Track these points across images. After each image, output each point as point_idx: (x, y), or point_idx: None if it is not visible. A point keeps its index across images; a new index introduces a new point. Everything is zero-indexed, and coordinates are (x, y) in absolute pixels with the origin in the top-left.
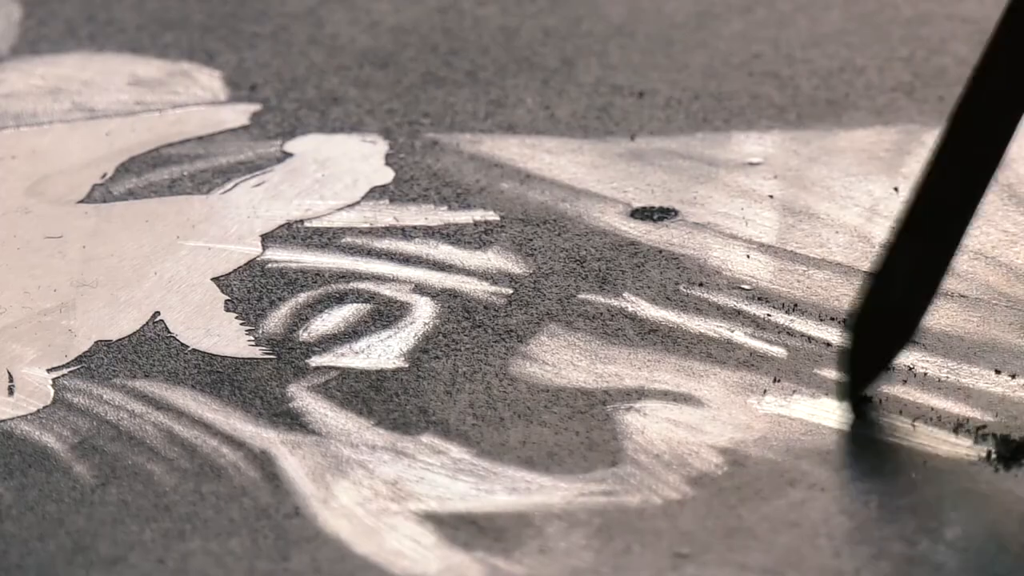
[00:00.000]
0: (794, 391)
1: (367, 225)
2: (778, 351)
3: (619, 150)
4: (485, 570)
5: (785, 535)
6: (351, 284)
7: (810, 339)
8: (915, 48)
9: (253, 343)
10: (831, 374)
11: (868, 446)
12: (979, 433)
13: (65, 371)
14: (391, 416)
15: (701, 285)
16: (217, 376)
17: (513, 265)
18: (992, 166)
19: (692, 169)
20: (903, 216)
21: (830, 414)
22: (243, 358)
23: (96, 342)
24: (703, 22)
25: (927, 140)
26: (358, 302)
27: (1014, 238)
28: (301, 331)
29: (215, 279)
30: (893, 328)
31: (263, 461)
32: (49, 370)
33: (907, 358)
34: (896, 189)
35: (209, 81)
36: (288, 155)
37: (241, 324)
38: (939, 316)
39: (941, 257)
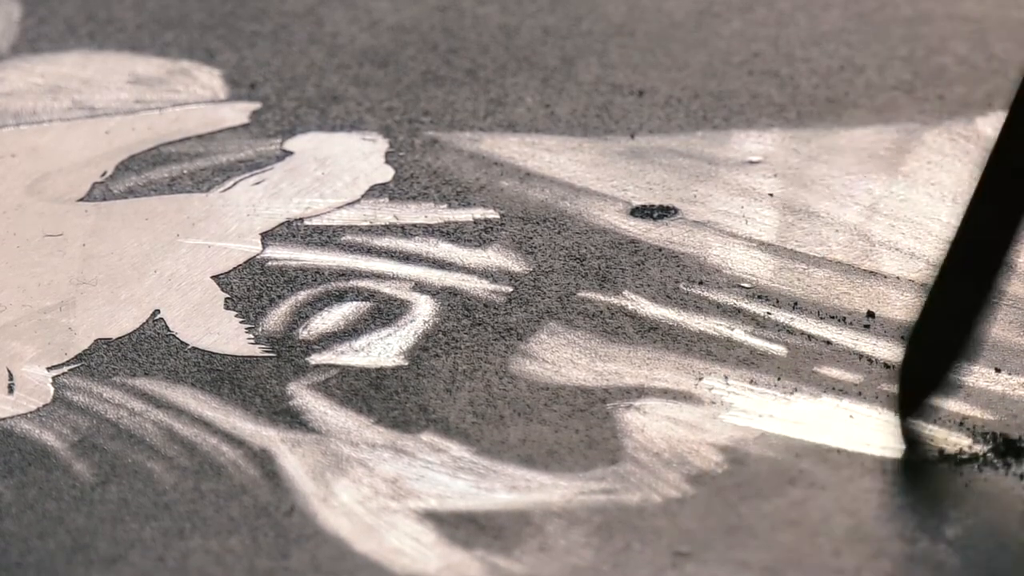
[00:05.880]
0: (794, 389)
1: (367, 223)
2: (778, 349)
3: (619, 148)
4: (485, 568)
5: (785, 533)
6: (351, 282)
7: (810, 337)
8: (915, 47)
9: (253, 341)
10: (831, 372)
11: (868, 445)
12: (979, 432)
13: (65, 369)
14: (391, 414)
15: (701, 283)
16: (217, 374)
17: (513, 263)
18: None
19: (692, 167)
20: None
21: (830, 412)
22: (243, 356)
23: (96, 340)
24: (703, 21)
25: (927, 139)
26: (358, 300)
27: None
28: (301, 329)
29: (215, 277)
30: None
31: (263, 459)
32: (49, 368)
33: None
34: (896, 188)
35: (209, 79)
36: (288, 153)
37: (241, 322)
38: None
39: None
